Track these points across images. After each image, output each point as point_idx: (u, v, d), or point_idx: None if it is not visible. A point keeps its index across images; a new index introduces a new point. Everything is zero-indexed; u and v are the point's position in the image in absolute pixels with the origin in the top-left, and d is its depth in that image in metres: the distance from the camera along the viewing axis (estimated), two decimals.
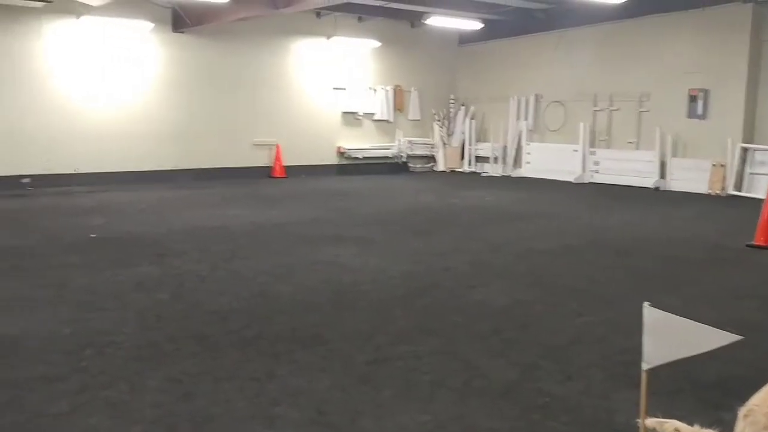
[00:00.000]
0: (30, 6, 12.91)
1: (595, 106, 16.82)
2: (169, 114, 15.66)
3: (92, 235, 8.84)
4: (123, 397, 3.88)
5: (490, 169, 18.79)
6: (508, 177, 18.19)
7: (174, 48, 15.67)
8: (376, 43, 18.21)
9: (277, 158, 16.88)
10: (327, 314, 5.56)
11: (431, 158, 20.05)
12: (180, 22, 15.33)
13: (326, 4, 13.92)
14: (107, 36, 14.76)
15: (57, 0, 13.02)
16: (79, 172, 14.47)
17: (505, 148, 18.78)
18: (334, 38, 17.62)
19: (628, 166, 15.98)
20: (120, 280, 6.52)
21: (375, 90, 18.64)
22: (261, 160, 16.96)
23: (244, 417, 3.67)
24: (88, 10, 13.78)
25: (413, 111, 19.57)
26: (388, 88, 18.77)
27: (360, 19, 17.52)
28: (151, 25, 15.00)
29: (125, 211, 11.06)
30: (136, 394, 3.93)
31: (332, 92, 17.98)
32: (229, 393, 3.94)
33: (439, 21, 16.64)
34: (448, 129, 20.01)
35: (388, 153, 18.96)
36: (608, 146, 16.66)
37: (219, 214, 10.80)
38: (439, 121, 19.89)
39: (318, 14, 16.79)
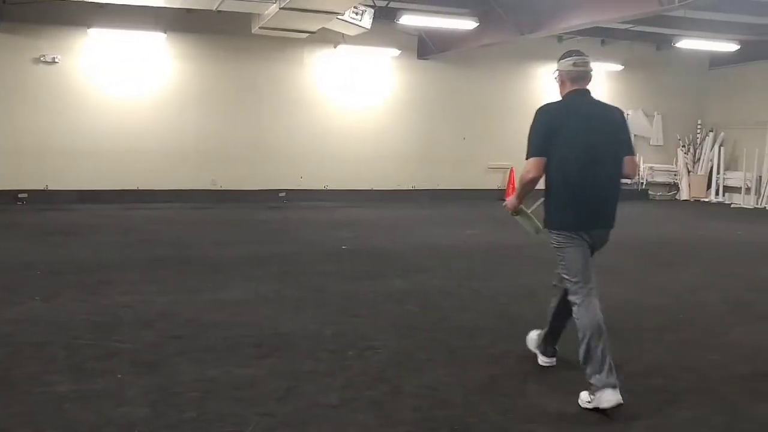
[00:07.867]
0: (294, 37, 14.23)
1: None
2: (410, 136, 16.43)
3: (343, 247, 9.55)
4: (384, 398, 4.19)
5: (741, 201, 17.35)
6: (763, 209, 16.65)
7: (417, 74, 16.44)
8: (618, 67, 17.70)
9: (511, 182, 16.91)
10: (571, 340, 5.51)
11: (674, 186, 18.98)
12: (425, 48, 16.07)
13: (573, 29, 13.76)
14: (358, 63, 15.91)
15: (318, 31, 14.24)
16: (327, 188, 15.70)
17: (759, 178, 17.26)
18: None
19: None
20: (373, 290, 6.99)
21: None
22: (494, 182, 17.18)
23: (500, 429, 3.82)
24: (345, 39, 14.93)
25: (656, 136, 18.72)
26: (630, 112, 18.04)
27: (603, 42, 17.12)
28: (398, 52, 15.90)
29: (372, 226, 11.79)
30: (396, 396, 4.22)
31: None
32: (481, 405, 4.10)
33: (689, 44, 15.78)
34: (693, 156, 18.83)
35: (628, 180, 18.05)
36: None
37: (455, 233, 11.12)
38: (684, 147, 18.81)
39: (560, 38, 16.62)
